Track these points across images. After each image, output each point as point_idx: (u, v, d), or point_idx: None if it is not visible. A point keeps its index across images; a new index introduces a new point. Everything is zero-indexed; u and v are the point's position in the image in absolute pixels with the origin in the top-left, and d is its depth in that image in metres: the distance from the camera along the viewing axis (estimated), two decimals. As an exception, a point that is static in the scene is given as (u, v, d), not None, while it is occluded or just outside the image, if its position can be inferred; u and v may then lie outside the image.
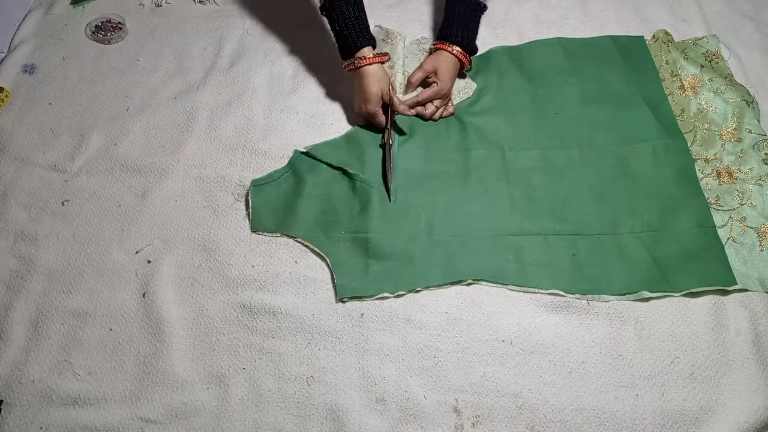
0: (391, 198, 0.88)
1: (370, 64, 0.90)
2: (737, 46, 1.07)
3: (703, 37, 1.07)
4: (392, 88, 0.93)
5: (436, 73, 0.95)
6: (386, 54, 0.93)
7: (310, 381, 0.75)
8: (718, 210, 0.88)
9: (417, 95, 0.95)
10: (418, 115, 0.97)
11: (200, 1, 1.16)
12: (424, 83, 0.98)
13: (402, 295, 0.80)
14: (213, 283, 0.82)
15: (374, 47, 0.92)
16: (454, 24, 0.96)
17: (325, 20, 0.93)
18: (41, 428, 0.72)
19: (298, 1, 1.15)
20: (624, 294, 0.80)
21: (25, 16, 1.12)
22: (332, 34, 0.92)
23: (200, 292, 0.81)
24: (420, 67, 0.97)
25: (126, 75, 1.04)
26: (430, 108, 0.95)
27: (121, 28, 1.10)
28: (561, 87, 1.01)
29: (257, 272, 0.82)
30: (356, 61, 0.90)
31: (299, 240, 0.85)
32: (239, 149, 0.94)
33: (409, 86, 0.98)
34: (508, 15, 1.13)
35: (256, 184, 0.89)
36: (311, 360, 0.76)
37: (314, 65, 1.05)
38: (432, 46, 1.00)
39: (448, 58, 0.95)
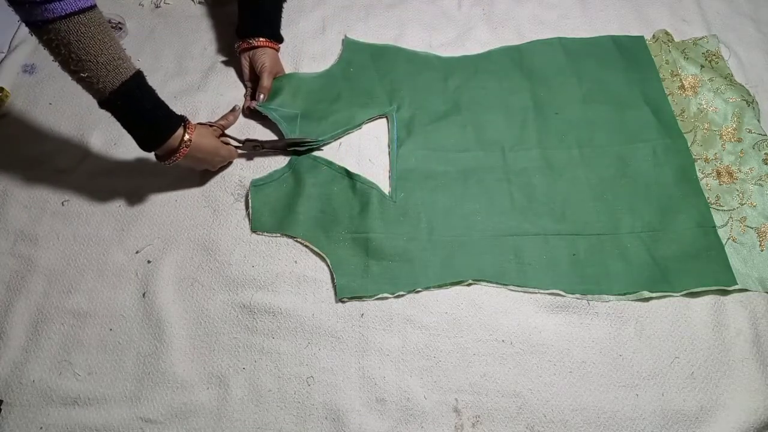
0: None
1: (192, 135, 0.81)
2: (737, 46, 1.07)
3: (703, 37, 1.07)
4: (216, 125, 0.90)
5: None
6: (185, 117, 0.83)
7: (310, 381, 0.75)
8: (718, 210, 0.88)
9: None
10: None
11: (200, 2, 1.16)
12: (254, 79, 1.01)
13: (402, 296, 0.80)
14: (213, 283, 0.82)
15: (183, 123, 0.81)
16: (268, 18, 1.01)
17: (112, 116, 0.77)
18: (41, 428, 0.72)
19: (297, 0, 1.16)
20: (624, 294, 0.80)
21: (25, 16, 1.12)
22: (127, 131, 0.78)
23: (200, 292, 0.81)
24: (267, 71, 0.97)
25: (126, 75, 1.04)
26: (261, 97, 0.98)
27: (121, 28, 1.10)
28: (561, 87, 1.01)
29: (257, 272, 0.82)
30: (182, 148, 0.80)
31: (299, 240, 0.85)
32: (239, 149, 0.94)
33: (264, 93, 0.97)
34: (508, 15, 1.13)
35: (256, 185, 0.89)
36: (311, 360, 0.76)
37: (314, 65, 1.05)
38: (254, 44, 0.98)
39: (273, 53, 1.01)
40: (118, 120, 0.77)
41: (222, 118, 0.94)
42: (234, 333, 0.78)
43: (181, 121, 0.81)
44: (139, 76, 0.75)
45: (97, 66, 0.69)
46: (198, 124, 0.86)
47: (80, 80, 0.71)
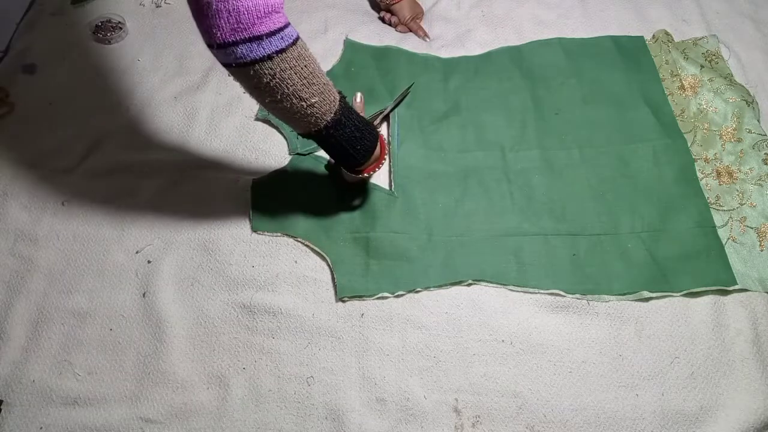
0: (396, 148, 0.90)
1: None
2: (737, 46, 1.07)
3: (703, 37, 1.07)
4: (359, 98, 0.85)
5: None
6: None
7: (310, 381, 0.75)
8: (718, 210, 0.88)
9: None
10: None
11: (200, 1, 1.16)
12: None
13: (402, 295, 0.80)
14: (213, 283, 0.82)
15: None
16: None
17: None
18: (41, 428, 0.72)
19: (301, 1, 1.16)
20: (624, 294, 0.80)
21: (25, 15, 1.12)
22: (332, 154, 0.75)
23: (200, 292, 0.81)
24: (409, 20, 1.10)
25: (126, 75, 1.04)
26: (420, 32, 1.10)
27: (121, 28, 1.10)
28: (561, 87, 1.01)
29: (257, 272, 0.82)
30: (382, 159, 0.78)
31: (299, 240, 0.85)
32: (239, 149, 0.94)
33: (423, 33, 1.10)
34: (508, 15, 1.13)
35: (257, 184, 0.89)
36: (311, 360, 0.76)
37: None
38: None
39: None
40: (327, 147, 0.73)
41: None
42: (234, 333, 0.78)
43: (377, 131, 0.76)
44: (343, 103, 0.69)
45: (311, 101, 0.64)
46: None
47: (291, 118, 0.66)
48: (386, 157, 0.79)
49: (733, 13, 1.13)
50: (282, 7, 0.59)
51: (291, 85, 0.61)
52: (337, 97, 0.68)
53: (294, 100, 0.63)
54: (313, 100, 0.64)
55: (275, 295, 0.80)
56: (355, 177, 0.80)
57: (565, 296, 0.80)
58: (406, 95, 0.98)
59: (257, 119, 0.97)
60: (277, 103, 0.63)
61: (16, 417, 0.72)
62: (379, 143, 0.77)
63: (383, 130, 0.97)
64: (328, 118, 0.67)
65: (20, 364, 0.76)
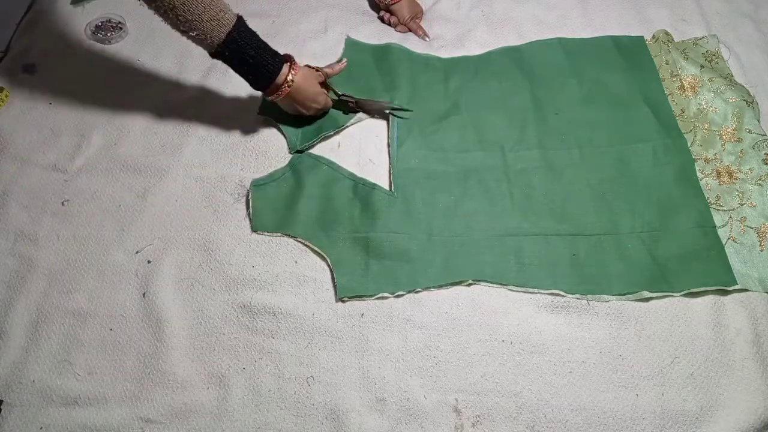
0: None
1: (295, 76, 0.85)
2: (737, 46, 1.07)
3: (703, 37, 1.07)
4: (321, 71, 0.92)
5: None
6: (290, 56, 0.87)
7: (310, 381, 0.75)
8: (718, 210, 0.88)
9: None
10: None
11: (200, 1, 1.16)
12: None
13: (402, 295, 0.80)
14: (213, 283, 0.82)
15: (286, 61, 0.86)
16: None
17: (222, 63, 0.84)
18: (41, 428, 0.72)
19: (301, 1, 1.16)
20: (624, 294, 0.80)
21: (25, 15, 1.12)
22: (237, 74, 0.85)
23: (200, 292, 0.81)
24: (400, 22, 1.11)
25: (126, 75, 1.04)
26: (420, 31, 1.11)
27: (121, 28, 1.10)
28: (561, 87, 1.01)
29: (257, 272, 0.82)
30: (284, 86, 0.85)
31: (299, 240, 0.85)
32: (239, 149, 0.94)
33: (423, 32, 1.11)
34: (508, 15, 1.13)
35: (257, 184, 0.89)
36: (311, 360, 0.76)
37: (315, 64, 1.05)
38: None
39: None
40: (230, 66, 0.83)
41: (328, 66, 0.95)
42: (234, 333, 0.78)
43: (284, 61, 0.85)
44: (240, 24, 0.80)
45: (202, 23, 0.76)
46: (305, 66, 0.90)
47: (191, 39, 0.78)
48: (290, 85, 0.86)
49: (733, 13, 1.13)
50: None
51: (189, 11, 0.74)
52: (233, 19, 0.79)
53: (195, 23, 0.76)
54: (206, 17, 0.76)
55: (275, 295, 0.80)
56: (292, 109, 0.90)
57: (565, 296, 0.80)
58: (399, 110, 0.98)
59: (258, 115, 0.97)
60: (186, 32, 0.77)
61: (16, 417, 0.72)
62: (292, 72, 0.85)
63: (383, 130, 0.97)
64: (223, 35, 0.78)
65: (20, 364, 0.76)
